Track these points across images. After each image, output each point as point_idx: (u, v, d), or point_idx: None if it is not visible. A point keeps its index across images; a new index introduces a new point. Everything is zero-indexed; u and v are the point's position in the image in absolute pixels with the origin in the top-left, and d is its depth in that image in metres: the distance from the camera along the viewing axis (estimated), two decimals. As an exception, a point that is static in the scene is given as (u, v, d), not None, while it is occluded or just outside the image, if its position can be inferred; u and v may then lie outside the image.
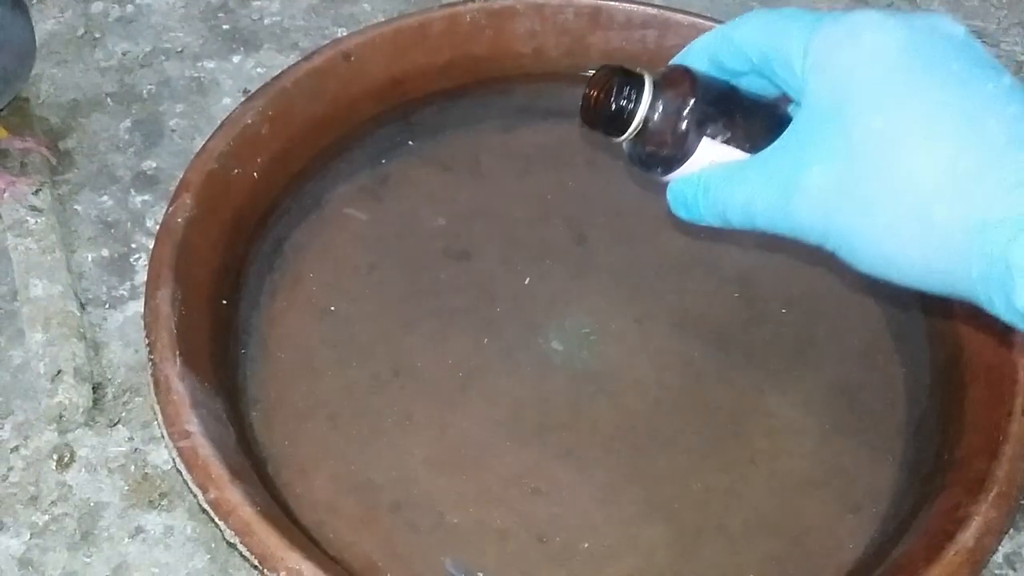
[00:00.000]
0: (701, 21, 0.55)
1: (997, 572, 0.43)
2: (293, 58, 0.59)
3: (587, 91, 0.36)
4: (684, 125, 0.35)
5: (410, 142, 0.55)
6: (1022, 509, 0.45)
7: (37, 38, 0.60)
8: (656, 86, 0.35)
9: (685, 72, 0.35)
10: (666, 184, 0.37)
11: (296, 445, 0.44)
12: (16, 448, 0.45)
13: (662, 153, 0.36)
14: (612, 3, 0.56)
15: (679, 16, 0.56)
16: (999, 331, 0.44)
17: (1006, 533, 0.42)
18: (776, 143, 0.33)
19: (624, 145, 0.37)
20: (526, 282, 0.50)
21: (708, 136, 0.35)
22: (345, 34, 0.58)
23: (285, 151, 0.51)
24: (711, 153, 0.35)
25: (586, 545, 0.42)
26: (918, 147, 0.30)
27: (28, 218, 0.51)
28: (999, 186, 0.29)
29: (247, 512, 0.36)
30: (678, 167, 0.36)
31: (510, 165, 0.55)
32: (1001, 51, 0.65)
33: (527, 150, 0.55)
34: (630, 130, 0.35)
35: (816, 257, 0.52)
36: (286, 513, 0.40)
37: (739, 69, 0.36)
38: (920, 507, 0.41)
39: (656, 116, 0.35)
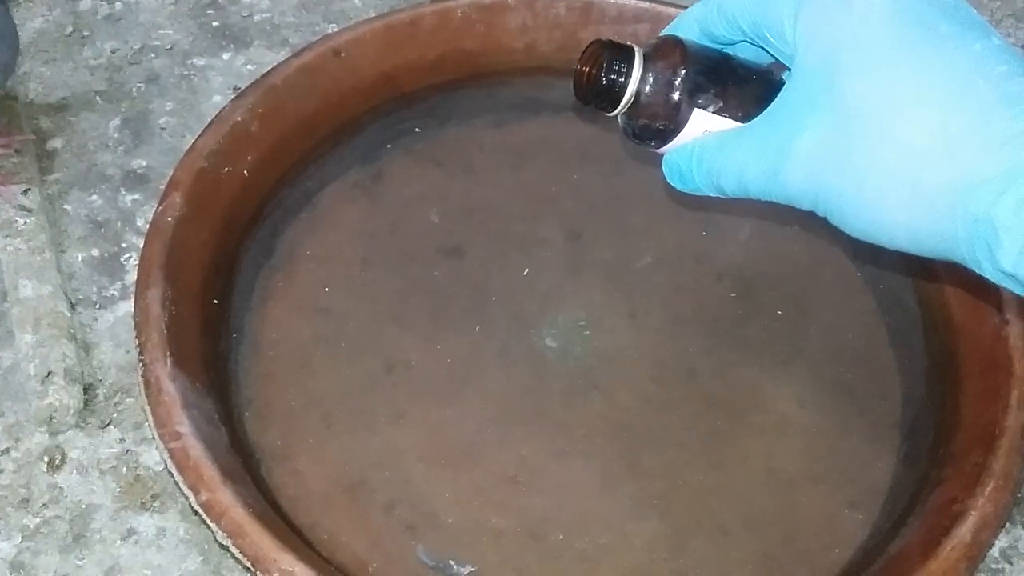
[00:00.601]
0: (694, 14, 0.55)
1: (994, 566, 0.43)
2: (283, 55, 0.59)
3: (578, 66, 0.36)
4: (676, 96, 0.35)
5: (402, 138, 0.54)
6: (1018, 503, 0.44)
7: (25, 37, 0.60)
8: (647, 58, 0.35)
9: (676, 43, 0.35)
10: (661, 156, 0.37)
11: (289, 445, 0.43)
12: (7, 450, 0.44)
13: (655, 125, 0.35)
14: (604, -3, 0.56)
15: (671, 10, 0.55)
16: (995, 324, 0.44)
17: (1002, 527, 0.42)
18: (767, 110, 0.33)
19: (619, 119, 0.37)
20: (524, 273, 0.50)
21: (700, 107, 0.35)
22: (335, 30, 0.57)
23: (276, 149, 0.50)
24: (704, 123, 0.35)
25: (581, 542, 0.42)
26: (907, 110, 0.30)
27: (17, 218, 0.50)
28: (986, 145, 0.29)
29: (239, 513, 0.36)
30: (672, 138, 0.36)
31: (503, 161, 0.54)
32: (995, 42, 0.65)
33: (520, 145, 0.55)
34: (622, 103, 0.35)
35: (811, 251, 0.52)
36: (279, 513, 0.40)
37: (731, 38, 0.35)
38: (916, 502, 0.41)
39: (648, 88, 0.35)
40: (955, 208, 0.29)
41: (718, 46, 0.36)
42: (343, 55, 0.52)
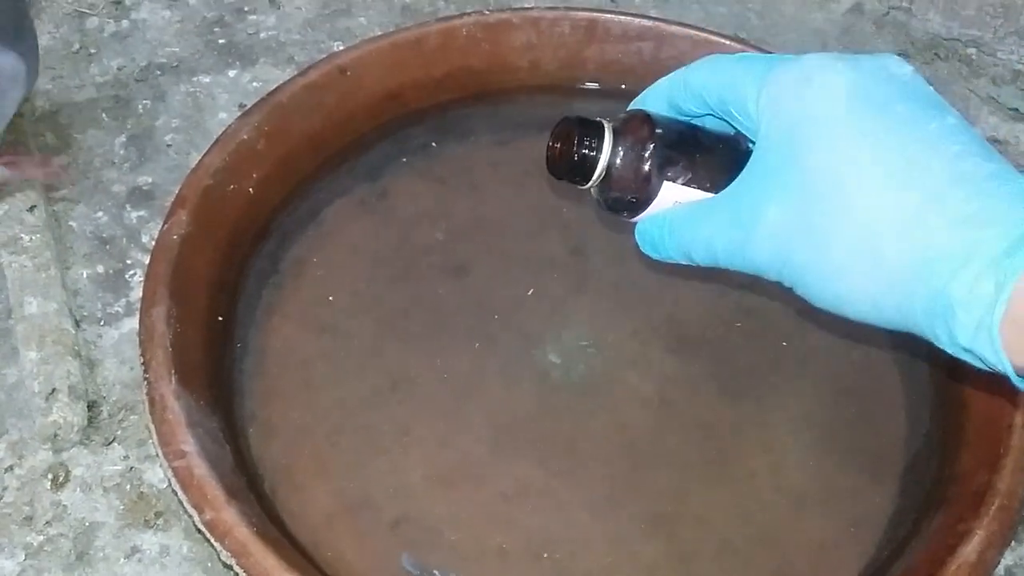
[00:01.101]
0: (696, 33, 0.55)
1: (1000, 586, 0.43)
2: (289, 72, 0.59)
3: (550, 143, 0.38)
4: (645, 169, 0.36)
5: (407, 156, 0.55)
6: (1023, 521, 0.44)
7: (32, 54, 0.60)
8: (616, 132, 0.36)
9: (644, 118, 0.37)
10: (634, 224, 0.38)
11: (293, 462, 0.43)
12: (10, 468, 0.44)
13: (627, 197, 0.37)
14: (608, 15, 0.56)
15: (674, 28, 0.56)
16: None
17: (1008, 546, 0.42)
18: (733, 184, 0.35)
19: (592, 191, 0.38)
20: (529, 293, 0.50)
21: (669, 179, 0.36)
22: (341, 48, 0.58)
23: (281, 166, 0.51)
24: (674, 194, 0.36)
25: (585, 562, 0.42)
26: (865, 188, 0.31)
27: (22, 235, 0.51)
28: (941, 223, 0.30)
29: (243, 533, 0.36)
30: (644, 209, 0.37)
31: (507, 178, 0.54)
32: (997, 60, 0.65)
33: (524, 163, 0.55)
34: (594, 177, 0.37)
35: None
36: (283, 532, 0.40)
37: (696, 112, 0.37)
38: (922, 521, 0.40)
39: (618, 162, 0.36)
40: (914, 283, 0.30)
41: (685, 118, 0.37)
42: (349, 73, 0.52)
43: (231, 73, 0.61)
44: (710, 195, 0.36)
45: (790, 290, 0.34)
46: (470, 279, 0.50)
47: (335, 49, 0.61)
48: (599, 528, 0.42)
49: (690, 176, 0.36)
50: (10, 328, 0.48)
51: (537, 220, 0.53)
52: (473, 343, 0.48)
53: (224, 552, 0.36)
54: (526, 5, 0.64)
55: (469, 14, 0.55)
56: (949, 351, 0.30)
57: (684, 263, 0.37)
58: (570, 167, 0.37)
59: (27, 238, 0.51)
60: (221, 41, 0.62)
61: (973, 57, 0.66)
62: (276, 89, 0.51)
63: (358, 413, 0.45)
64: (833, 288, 0.32)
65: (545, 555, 0.42)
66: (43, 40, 0.62)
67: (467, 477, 0.44)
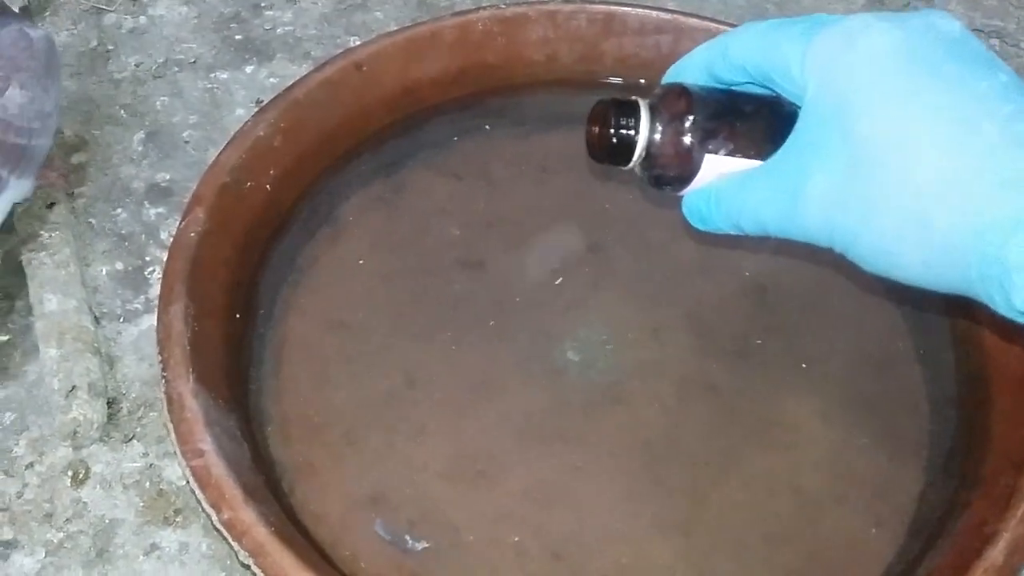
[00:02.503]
0: (715, 25, 0.55)
1: (1024, 587, 0.43)
2: (305, 68, 0.59)
3: (588, 128, 0.37)
4: (686, 144, 0.35)
5: (423, 151, 0.54)
6: (1050, 522, 0.44)
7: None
8: (653, 110, 0.36)
9: (680, 92, 0.36)
10: (682, 198, 0.37)
11: (311, 461, 0.43)
12: (31, 464, 0.45)
13: (670, 173, 0.36)
14: (625, 8, 0.55)
15: (693, 21, 0.55)
16: (1025, 341, 0.43)
17: (1034, 548, 0.41)
18: (779, 153, 0.34)
19: (636, 169, 0.37)
20: (546, 289, 0.49)
21: (711, 152, 0.35)
22: (357, 44, 0.58)
23: (298, 163, 0.50)
24: (718, 166, 0.35)
25: (602, 560, 0.41)
26: (913, 152, 0.30)
27: (42, 232, 0.51)
28: (993, 186, 0.29)
29: (261, 532, 0.36)
30: (688, 183, 0.36)
31: (524, 173, 0.54)
32: (1021, 50, 0.64)
33: (540, 158, 0.55)
34: (635, 158, 0.36)
35: (835, 264, 0.52)
36: (301, 531, 0.40)
37: (737, 81, 0.36)
38: (945, 523, 0.40)
39: (657, 139, 0.35)
40: (966, 249, 0.29)
41: (724, 86, 0.36)
42: (365, 69, 0.52)
43: (248, 69, 0.61)
44: (755, 163, 0.35)
45: (842, 256, 0.33)
46: (487, 275, 0.50)
47: (351, 44, 0.61)
48: (616, 527, 0.42)
49: (732, 147, 0.35)
50: (30, 325, 0.48)
51: (554, 215, 0.52)
52: (490, 340, 0.48)
53: (242, 552, 0.36)
54: (543, -2, 0.63)
55: (485, 8, 0.55)
56: (1006, 314, 0.30)
57: (733, 233, 0.36)
58: (609, 150, 0.36)
59: (47, 235, 0.51)
60: (238, 37, 0.62)
61: (996, 48, 0.64)
62: (292, 85, 0.51)
63: (375, 411, 0.45)
64: (883, 255, 0.32)
65: (561, 554, 0.41)
66: (61, 37, 0.62)
67: (483, 475, 0.43)
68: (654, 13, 0.55)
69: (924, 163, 0.30)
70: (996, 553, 0.36)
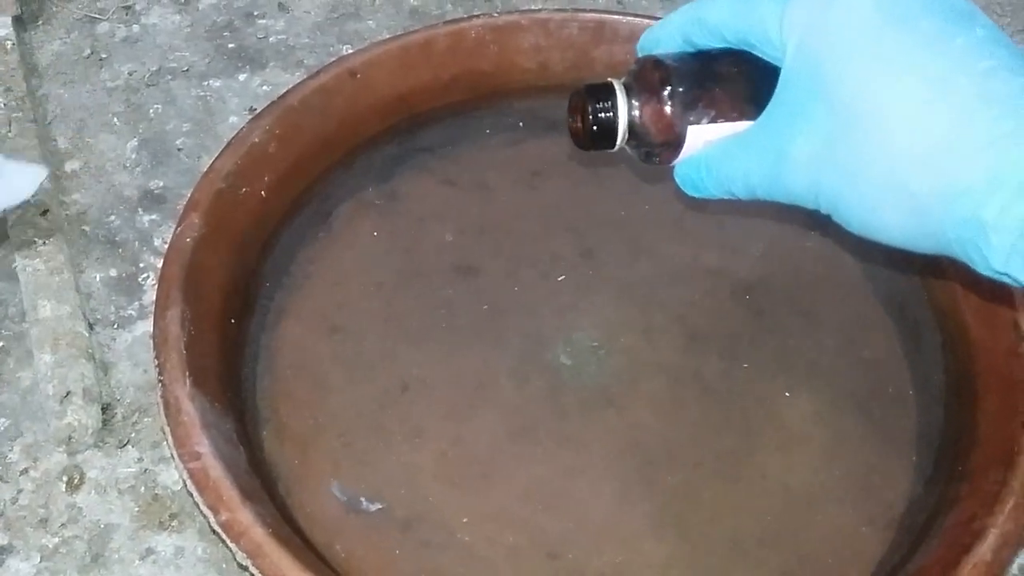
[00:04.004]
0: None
1: (1014, 584, 0.43)
2: (299, 76, 0.59)
3: (568, 119, 0.38)
4: (667, 118, 0.35)
5: (416, 158, 0.55)
6: (1037, 520, 0.44)
7: (44, 59, 0.61)
8: (628, 89, 0.36)
9: (655, 65, 0.36)
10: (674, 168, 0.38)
11: (307, 464, 0.44)
12: (25, 470, 0.45)
13: (656, 148, 0.36)
14: (615, 17, 0.56)
15: (683, 29, 0.56)
16: (1011, 341, 0.44)
17: (1022, 545, 0.42)
18: (762, 117, 0.34)
19: (626, 149, 0.37)
20: (539, 294, 0.50)
21: (692, 123, 0.35)
22: (351, 51, 0.58)
23: (293, 169, 0.51)
24: (703, 134, 0.35)
25: (597, 561, 0.42)
26: (889, 114, 0.30)
27: (36, 239, 0.51)
28: (970, 147, 0.28)
29: (258, 534, 0.36)
30: (678, 152, 0.36)
31: (517, 179, 0.55)
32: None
33: (533, 164, 0.55)
34: (619, 139, 0.36)
35: (824, 264, 0.52)
36: (297, 533, 0.40)
37: (714, 47, 0.36)
38: (935, 519, 0.40)
39: (637, 116, 0.35)
40: (943, 211, 0.29)
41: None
42: (359, 76, 0.53)
43: (241, 77, 0.61)
44: (741, 124, 0.35)
45: (828, 217, 0.33)
46: (480, 280, 0.51)
47: (344, 52, 0.61)
48: (610, 528, 0.42)
49: (714, 113, 0.35)
50: (24, 331, 0.48)
51: (547, 221, 0.53)
52: (484, 343, 0.48)
53: (240, 553, 0.36)
54: (534, 7, 0.64)
55: (477, 16, 0.55)
56: (985, 274, 0.30)
57: (726, 198, 0.37)
58: (592, 136, 0.36)
59: (40, 242, 0.51)
60: (231, 45, 0.63)
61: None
62: (287, 93, 0.52)
63: (370, 414, 0.45)
64: (865, 217, 0.32)
65: (557, 554, 0.42)
66: (54, 46, 0.62)
67: (478, 477, 0.44)
68: (644, 21, 0.56)
69: (900, 125, 0.29)
70: (984, 549, 0.37)
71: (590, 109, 0.36)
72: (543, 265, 0.51)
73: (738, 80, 0.35)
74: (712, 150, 0.35)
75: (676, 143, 0.36)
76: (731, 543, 0.42)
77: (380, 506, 0.42)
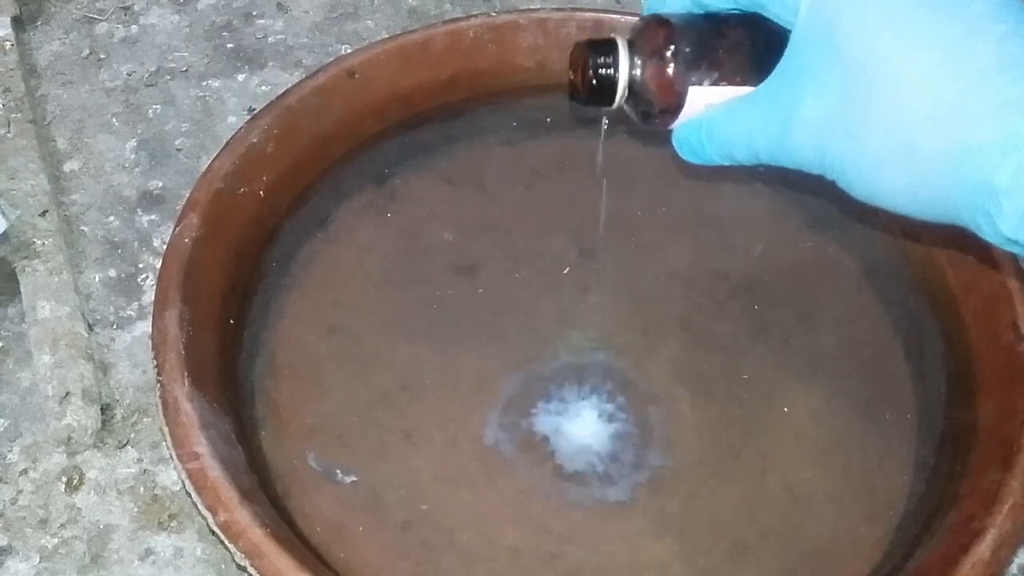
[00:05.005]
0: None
1: (1013, 583, 0.43)
2: (297, 76, 0.59)
3: (569, 76, 0.36)
4: (668, 77, 0.34)
5: (415, 158, 0.55)
6: (1037, 519, 0.44)
7: (43, 60, 0.61)
8: (631, 46, 0.35)
9: (659, 24, 0.35)
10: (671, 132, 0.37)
11: (306, 464, 0.44)
12: (25, 471, 0.45)
13: (655, 108, 0.35)
14: (613, 16, 0.56)
15: (682, 27, 0.55)
16: (1010, 340, 0.44)
17: (1021, 544, 0.42)
18: (769, 79, 0.33)
19: (623, 108, 0.36)
20: (538, 293, 0.50)
21: (695, 83, 0.34)
22: (349, 51, 0.58)
23: (291, 169, 0.51)
24: (705, 96, 0.35)
25: (598, 560, 0.42)
26: (903, 76, 0.29)
27: (35, 240, 0.51)
28: (982, 110, 0.28)
29: (257, 534, 0.36)
30: (676, 115, 0.35)
31: (515, 179, 0.55)
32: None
33: (532, 163, 0.55)
34: (617, 97, 0.35)
35: (823, 263, 0.52)
36: (296, 533, 0.40)
37: (723, 9, 0.35)
38: (934, 518, 0.40)
39: (639, 75, 0.35)
40: (953, 175, 0.29)
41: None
42: (357, 76, 0.53)
43: (240, 77, 0.61)
44: (743, 89, 0.34)
45: (833, 184, 0.33)
46: (479, 280, 0.51)
47: (343, 52, 0.61)
48: (610, 528, 0.42)
49: (717, 75, 0.34)
50: (24, 332, 0.48)
51: (546, 220, 0.53)
52: (483, 343, 0.48)
53: (238, 554, 0.36)
54: (532, 6, 0.64)
55: (476, 16, 0.55)
56: (993, 242, 0.30)
57: (725, 164, 0.36)
58: (591, 92, 0.35)
59: (40, 243, 0.51)
60: (230, 46, 0.63)
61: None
62: (285, 93, 0.51)
63: (368, 414, 0.45)
64: (871, 182, 0.31)
65: (557, 554, 0.42)
66: (53, 46, 0.62)
67: (477, 477, 0.44)
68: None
69: (913, 87, 0.29)
70: (983, 548, 0.37)
71: (590, 63, 0.35)
72: (542, 264, 0.51)
73: (744, 44, 0.35)
74: (714, 112, 0.35)
75: (676, 104, 0.35)
76: (731, 542, 0.42)
77: (355, 478, 0.41)
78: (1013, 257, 0.46)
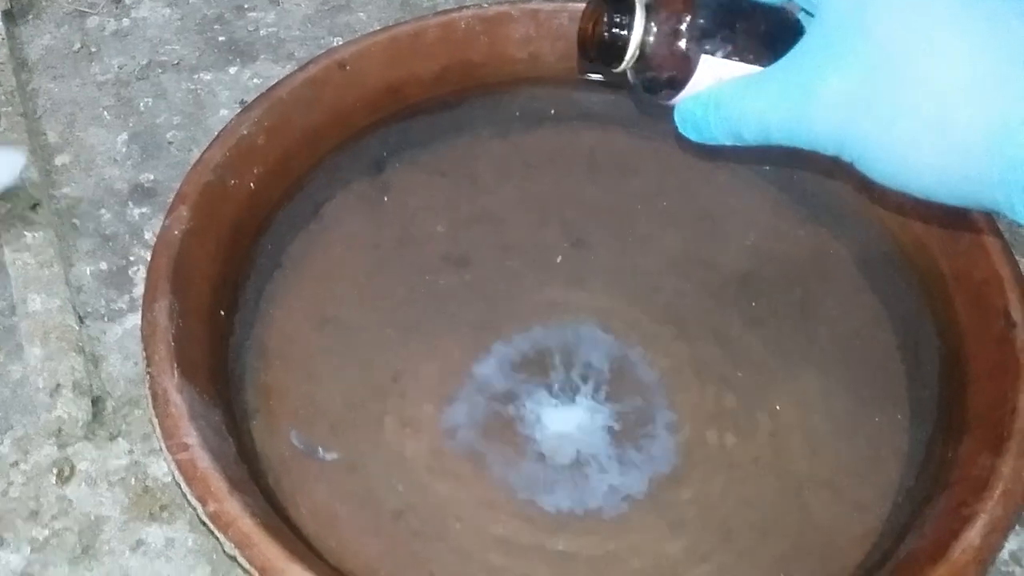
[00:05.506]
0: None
1: (1004, 569, 0.43)
2: (289, 69, 0.59)
3: (580, 26, 0.36)
4: (682, 44, 0.34)
5: (407, 150, 0.55)
6: (1029, 506, 0.44)
7: (34, 54, 0.61)
8: (648, 8, 0.34)
9: None
10: (673, 106, 0.36)
11: (297, 455, 0.44)
12: (16, 463, 0.45)
13: (663, 76, 0.35)
14: (606, 7, 0.56)
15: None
16: (1001, 328, 0.44)
17: (1012, 530, 0.42)
18: (791, 52, 0.33)
19: (627, 74, 0.36)
20: (531, 285, 0.49)
21: (708, 52, 0.34)
22: (340, 44, 0.58)
23: (282, 161, 0.51)
24: (714, 70, 0.34)
25: (588, 550, 0.42)
26: (939, 51, 0.29)
27: (25, 232, 0.51)
28: (1021, 88, 0.28)
29: (247, 524, 0.36)
30: (682, 88, 0.35)
31: (508, 170, 0.54)
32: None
33: (525, 155, 0.55)
34: (627, 58, 0.35)
35: (817, 253, 0.52)
36: (287, 524, 0.40)
37: None
38: (925, 505, 0.40)
39: (651, 39, 0.34)
40: (989, 151, 0.28)
41: None
42: (348, 68, 0.52)
43: (231, 70, 0.61)
44: (753, 68, 0.34)
45: (851, 165, 0.32)
46: (472, 271, 0.50)
47: (334, 44, 0.61)
48: (604, 515, 0.42)
49: (731, 48, 0.34)
50: (14, 325, 0.48)
51: (538, 212, 0.53)
52: (475, 334, 0.48)
53: (228, 543, 0.36)
54: (525, -2, 0.64)
55: (467, 7, 0.55)
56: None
57: (728, 143, 0.35)
58: (600, 49, 0.35)
59: (30, 235, 0.51)
60: (221, 38, 0.63)
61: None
62: (276, 85, 0.51)
63: (361, 405, 0.45)
64: (898, 161, 0.30)
65: (549, 544, 0.42)
66: (44, 40, 0.62)
67: (470, 467, 0.44)
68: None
69: (948, 63, 0.29)
70: (974, 534, 0.37)
71: (605, 19, 0.34)
72: (534, 256, 0.51)
73: (762, 24, 0.34)
74: (725, 86, 0.34)
75: (685, 74, 0.34)
76: (723, 529, 0.42)
77: (336, 456, 0.41)
78: (1005, 245, 0.46)
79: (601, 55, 0.35)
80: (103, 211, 0.54)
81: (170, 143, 0.57)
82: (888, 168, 0.31)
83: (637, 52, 0.34)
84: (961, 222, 0.47)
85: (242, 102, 0.59)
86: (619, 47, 0.34)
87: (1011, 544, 0.44)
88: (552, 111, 0.57)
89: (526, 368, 0.47)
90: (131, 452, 0.45)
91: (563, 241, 0.52)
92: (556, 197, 0.54)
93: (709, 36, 0.34)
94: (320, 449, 0.41)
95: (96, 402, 0.46)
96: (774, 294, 0.50)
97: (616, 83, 0.37)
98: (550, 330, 0.48)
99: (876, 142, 0.31)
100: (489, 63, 0.56)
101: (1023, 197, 0.28)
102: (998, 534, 0.37)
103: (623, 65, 0.35)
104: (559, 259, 0.51)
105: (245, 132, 0.49)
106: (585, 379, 0.47)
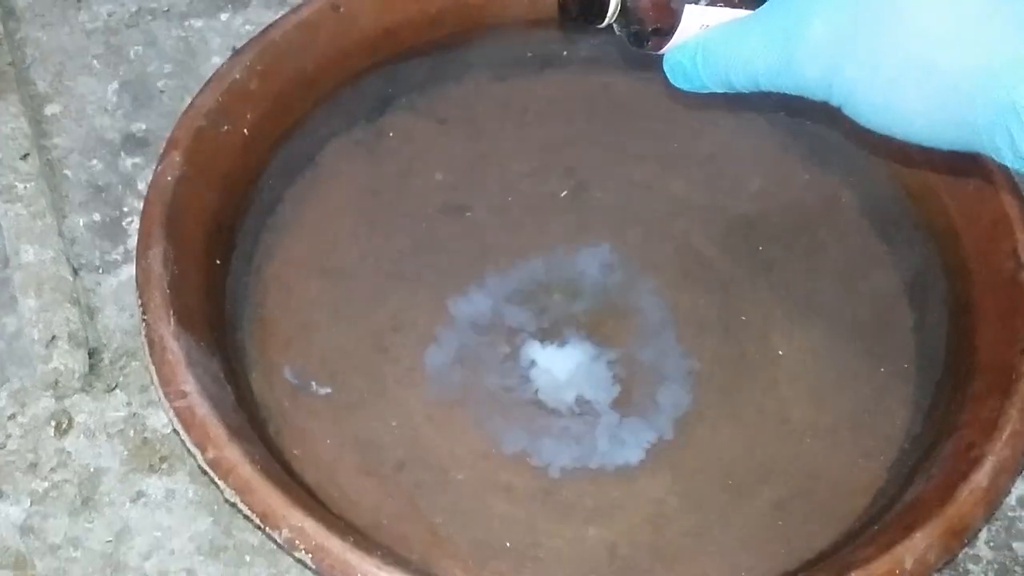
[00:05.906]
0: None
1: (1010, 514, 0.43)
2: (282, 14, 0.58)
3: None
4: None
5: (404, 95, 0.53)
6: (1036, 450, 0.44)
7: (22, 1, 0.59)
8: None
9: None
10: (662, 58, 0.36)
11: (297, 405, 0.43)
12: (13, 416, 0.44)
13: (648, 28, 0.34)
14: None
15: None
16: (1010, 269, 0.43)
17: (1020, 473, 0.41)
18: None
19: (614, 27, 0.35)
20: (531, 231, 0.49)
21: (691, 1, 0.33)
22: (334, -14, 0.56)
23: (276, 107, 0.49)
24: (700, 17, 0.34)
25: (591, 497, 0.41)
26: None
27: (16, 183, 0.50)
28: (1007, 26, 0.27)
29: (246, 470, 0.35)
30: (669, 38, 0.34)
31: (506, 115, 0.53)
32: None
33: (524, 100, 0.54)
34: (610, 12, 0.34)
35: (822, 198, 0.51)
36: (288, 473, 0.40)
37: None
38: (933, 448, 0.40)
39: None
40: (975, 94, 0.28)
41: None
42: (342, 10, 0.51)
43: (223, 16, 0.59)
44: (740, 12, 0.33)
45: (839, 110, 0.32)
46: (471, 218, 0.50)
47: (329, -12, 0.59)
48: (605, 462, 0.42)
49: None
50: (7, 277, 0.48)
51: (538, 158, 0.52)
52: (474, 283, 0.47)
53: (228, 490, 0.36)
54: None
55: (464, -54, 0.54)
56: (1011, 165, 0.29)
57: (719, 90, 0.35)
58: (582, 4, 0.34)
59: (21, 186, 0.50)
60: (212, -16, 0.61)
61: None
62: (268, 28, 0.50)
63: (360, 355, 0.45)
64: (884, 105, 0.30)
65: (552, 491, 0.41)
66: (31, -13, 0.60)
67: (471, 418, 0.43)
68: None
69: (931, 4, 0.28)
70: (981, 476, 0.36)
71: None
72: (535, 202, 0.50)
73: None
74: (712, 34, 0.33)
75: (670, 23, 0.34)
76: (728, 477, 0.42)
77: (328, 390, 0.41)
78: (1014, 186, 0.45)
79: (582, 11, 0.35)
80: (95, 161, 0.53)
81: (162, 92, 0.56)
82: (874, 113, 0.31)
83: (619, 5, 0.34)
84: (969, 165, 0.46)
85: (234, 48, 0.57)
86: (601, 2, 0.34)
87: (1019, 489, 0.43)
88: (553, 54, 0.55)
89: (527, 314, 0.46)
90: (129, 404, 0.45)
91: (564, 187, 0.51)
92: (557, 142, 0.52)
93: None
94: (313, 384, 0.40)
95: (92, 354, 0.46)
96: (778, 238, 0.49)
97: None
98: (551, 275, 0.48)
99: (862, 87, 0.30)
100: (488, 4, 0.54)
101: (1008, 140, 0.28)
102: (1006, 476, 0.37)
103: (606, 21, 0.34)
104: (560, 206, 0.50)
105: (237, 76, 0.48)
106: (587, 326, 0.46)
